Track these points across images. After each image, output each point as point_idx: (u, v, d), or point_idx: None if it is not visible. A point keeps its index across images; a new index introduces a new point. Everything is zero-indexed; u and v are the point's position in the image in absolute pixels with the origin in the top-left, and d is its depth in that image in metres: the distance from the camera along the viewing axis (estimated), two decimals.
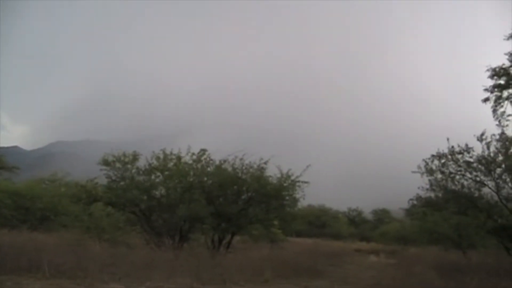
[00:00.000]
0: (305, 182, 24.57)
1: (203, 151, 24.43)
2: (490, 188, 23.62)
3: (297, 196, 25.14)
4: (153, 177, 24.01)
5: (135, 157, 23.78)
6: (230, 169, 24.38)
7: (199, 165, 24.28)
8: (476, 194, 23.81)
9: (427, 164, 24.25)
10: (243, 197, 24.79)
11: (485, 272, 15.88)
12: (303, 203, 30.24)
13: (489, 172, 23.14)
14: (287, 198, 25.06)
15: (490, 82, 16.67)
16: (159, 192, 24.24)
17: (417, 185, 25.09)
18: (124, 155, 23.65)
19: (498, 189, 23.34)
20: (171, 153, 24.01)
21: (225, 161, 24.48)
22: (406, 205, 29.24)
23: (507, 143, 22.32)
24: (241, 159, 24.39)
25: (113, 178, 23.77)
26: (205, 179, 24.31)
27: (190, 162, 24.13)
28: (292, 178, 24.52)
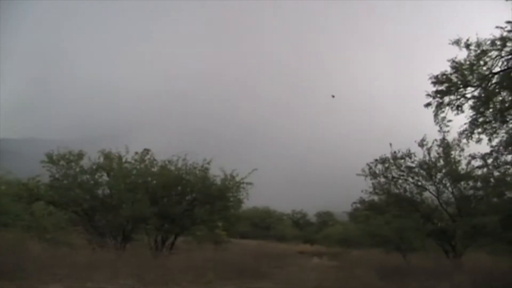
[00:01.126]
0: (249, 184, 24.62)
1: (147, 151, 24.20)
2: (431, 192, 24.18)
3: (242, 197, 25.19)
4: (96, 176, 23.63)
5: (80, 155, 23.34)
6: (174, 169, 24.23)
7: (142, 165, 24.03)
8: (418, 198, 24.32)
9: (370, 168, 24.62)
10: (187, 198, 24.70)
11: (425, 274, 16.16)
12: (247, 204, 30.27)
13: (430, 177, 23.67)
14: (231, 199, 25.06)
15: (433, 88, 16.97)
16: (103, 191, 23.88)
17: (360, 189, 25.44)
18: (70, 153, 23.19)
19: (438, 193, 23.92)
20: (112, 153, 23.70)
21: (169, 161, 24.31)
22: (349, 208, 29.57)
23: (447, 148, 22.84)
24: (184, 159, 24.27)
25: (56, 176, 23.28)
26: (149, 179, 24.08)
27: (133, 162, 23.86)
28: (237, 179, 24.54)
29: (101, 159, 23.52)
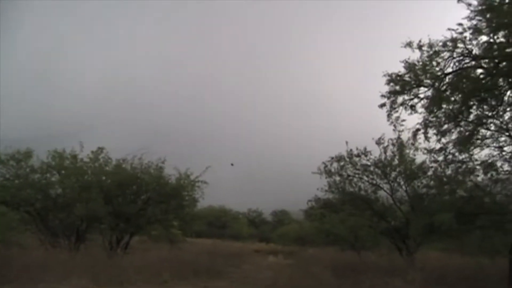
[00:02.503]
0: (204, 182, 24.63)
1: (100, 149, 23.93)
2: (385, 191, 24.47)
3: (196, 196, 25.18)
4: (48, 175, 23.27)
5: (28, 154, 22.93)
6: (129, 168, 24.03)
7: (96, 164, 23.76)
8: (372, 197, 24.59)
9: (326, 166, 24.79)
10: (142, 197, 24.53)
11: (378, 272, 16.39)
12: (203, 203, 30.23)
13: (384, 175, 23.96)
14: (186, 198, 25.03)
15: (387, 88, 17.19)
16: (55, 191, 23.54)
17: (316, 187, 25.59)
18: (19, 152, 22.77)
19: (392, 192, 24.22)
20: (66, 152, 23.38)
21: (124, 160, 24.11)
22: (305, 207, 29.72)
23: (401, 147, 23.17)
24: (139, 158, 24.10)
25: (7, 176, 22.86)
26: (104, 178, 23.82)
27: (87, 160, 23.57)
28: (191, 178, 24.51)
29: (50, 159, 23.19)
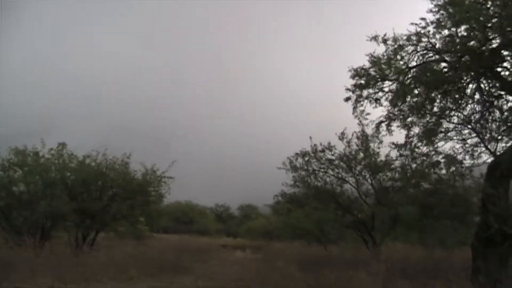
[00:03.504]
0: (170, 178, 24.57)
1: (62, 145, 23.65)
2: (351, 184, 24.71)
3: (163, 191, 25.12)
4: (11, 173, 22.94)
5: None
6: (93, 164, 23.80)
7: (60, 160, 23.47)
8: (338, 190, 24.80)
9: (291, 161, 24.94)
10: (108, 193, 24.32)
11: (344, 264, 16.52)
12: (169, 199, 30.16)
13: (350, 169, 24.16)
14: (152, 194, 24.93)
15: (352, 82, 17.28)
16: (19, 188, 23.21)
17: (283, 182, 25.74)
18: None
19: (358, 185, 24.46)
20: (28, 149, 23.10)
21: (88, 156, 23.87)
22: (271, 201, 29.84)
23: (366, 141, 23.37)
24: (104, 154, 23.89)
25: None
26: (68, 174, 23.56)
27: (50, 157, 23.29)
28: (158, 173, 24.41)
29: (12, 156, 22.90)
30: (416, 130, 16.60)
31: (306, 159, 24.62)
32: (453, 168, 16.24)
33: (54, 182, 22.69)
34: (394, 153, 19.30)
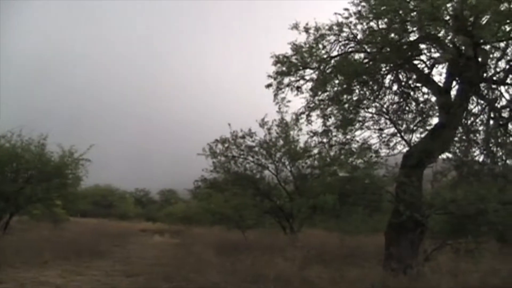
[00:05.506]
0: (88, 160, 24.17)
1: None
2: (270, 171, 25.02)
3: (80, 174, 24.70)
4: None
5: None
6: (8, 145, 23.04)
7: None
8: (258, 176, 25.06)
9: (211, 147, 25.04)
10: (23, 175, 23.64)
11: (261, 250, 16.67)
12: (89, 182, 29.68)
13: (270, 155, 24.45)
14: (69, 176, 24.45)
15: (274, 69, 17.33)
16: None
17: (204, 167, 25.81)
18: None
19: (277, 172, 24.79)
20: None
21: (3, 136, 23.08)
22: (192, 187, 29.84)
23: (286, 128, 23.67)
24: (19, 135, 23.16)
25: None
26: None
27: None
28: (75, 156, 23.93)
29: None
30: (334, 120, 16.83)
31: (226, 145, 24.79)
32: (366, 157, 16.56)
33: None
34: (313, 141, 19.48)
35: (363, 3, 14.94)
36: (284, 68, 16.95)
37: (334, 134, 17.01)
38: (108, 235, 27.77)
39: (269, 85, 17.46)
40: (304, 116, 17.27)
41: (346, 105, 16.14)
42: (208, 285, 12.29)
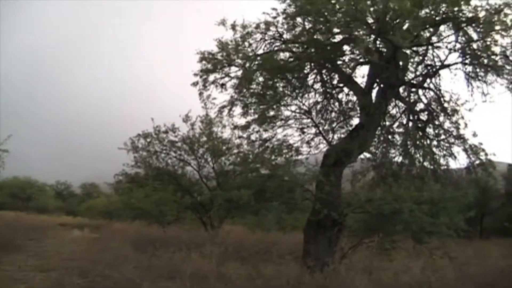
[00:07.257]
0: (5, 151, 23.49)
1: None
2: (192, 167, 25.04)
3: None
4: None
5: None
6: None
7: None
8: (179, 172, 25.03)
9: (133, 142, 24.86)
10: None
11: (179, 245, 16.57)
12: (6, 174, 28.89)
13: (192, 151, 24.47)
14: None
15: (199, 66, 17.27)
16: None
17: (127, 161, 25.59)
18: None
19: (199, 168, 24.83)
20: None
21: None
22: (113, 181, 29.52)
23: (210, 124, 23.73)
24: None
25: None
26: None
27: None
28: None
29: None
30: (255, 116, 16.90)
31: (149, 140, 24.67)
32: (285, 155, 16.70)
33: None
34: (233, 136, 19.55)
35: (288, 2, 15.07)
36: (209, 66, 16.92)
37: (255, 129, 17.10)
38: (25, 229, 27.11)
39: (195, 83, 17.40)
40: (226, 110, 17.32)
41: (268, 101, 16.20)
42: (123, 280, 12.13)
